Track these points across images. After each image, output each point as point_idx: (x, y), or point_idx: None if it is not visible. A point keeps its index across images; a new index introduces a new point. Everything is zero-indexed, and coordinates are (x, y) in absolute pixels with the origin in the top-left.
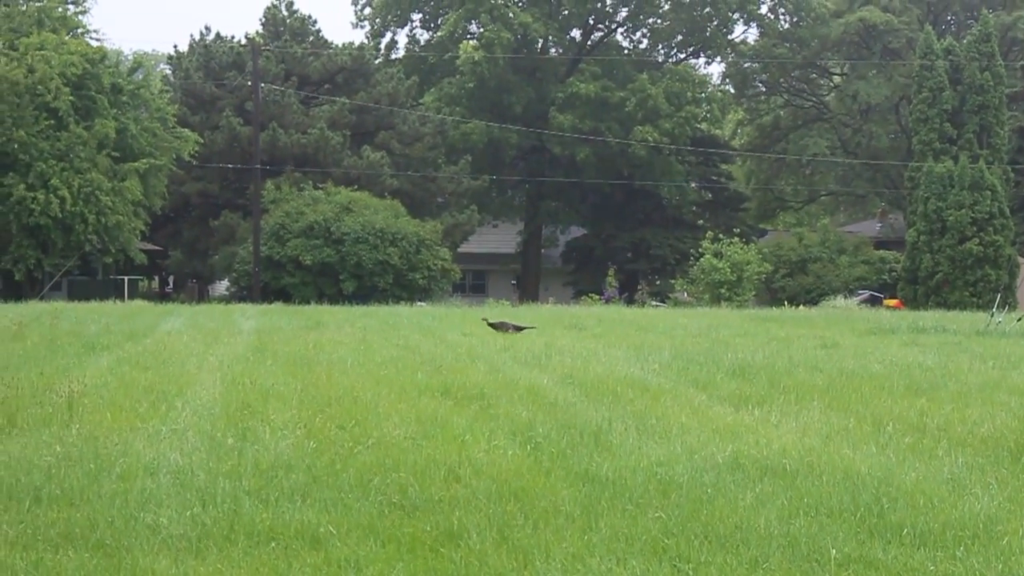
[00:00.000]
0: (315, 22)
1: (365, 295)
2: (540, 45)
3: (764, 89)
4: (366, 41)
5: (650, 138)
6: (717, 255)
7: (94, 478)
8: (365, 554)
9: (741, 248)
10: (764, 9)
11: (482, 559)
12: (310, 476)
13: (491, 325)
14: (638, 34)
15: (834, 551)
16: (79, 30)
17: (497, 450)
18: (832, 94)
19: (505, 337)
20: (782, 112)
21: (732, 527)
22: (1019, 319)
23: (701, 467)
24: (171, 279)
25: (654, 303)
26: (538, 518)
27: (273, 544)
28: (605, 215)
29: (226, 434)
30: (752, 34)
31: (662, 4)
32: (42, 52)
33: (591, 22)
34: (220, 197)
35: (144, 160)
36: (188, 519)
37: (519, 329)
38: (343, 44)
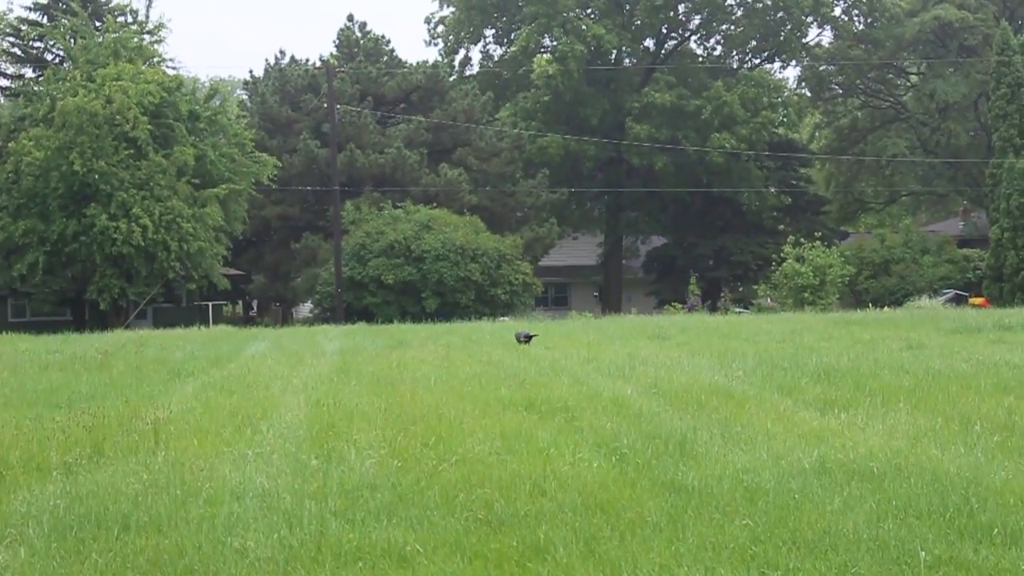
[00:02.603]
0: (388, 42)
1: (447, 312)
2: (614, 56)
3: (840, 91)
4: (440, 59)
5: (727, 145)
6: (799, 259)
7: (181, 504)
8: (451, 571)
9: (823, 251)
10: (838, 11)
11: (569, 573)
12: (395, 495)
13: (517, 337)
14: (712, 41)
15: (924, 553)
16: (155, 59)
17: (582, 462)
18: (909, 93)
19: (588, 349)
20: (859, 113)
21: (820, 532)
22: None
23: (787, 473)
24: (255, 303)
25: (737, 310)
26: (624, 529)
27: (360, 564)
28: (685, 223)
29: (311, 456)
30: (826, 36)
31: (735, 10)
32: (119, 83)
33: (664, 31)
34: (300, 219)
35: (224, 186)
36: (275, 542)
37: (528, 338)
38: (417, 63)
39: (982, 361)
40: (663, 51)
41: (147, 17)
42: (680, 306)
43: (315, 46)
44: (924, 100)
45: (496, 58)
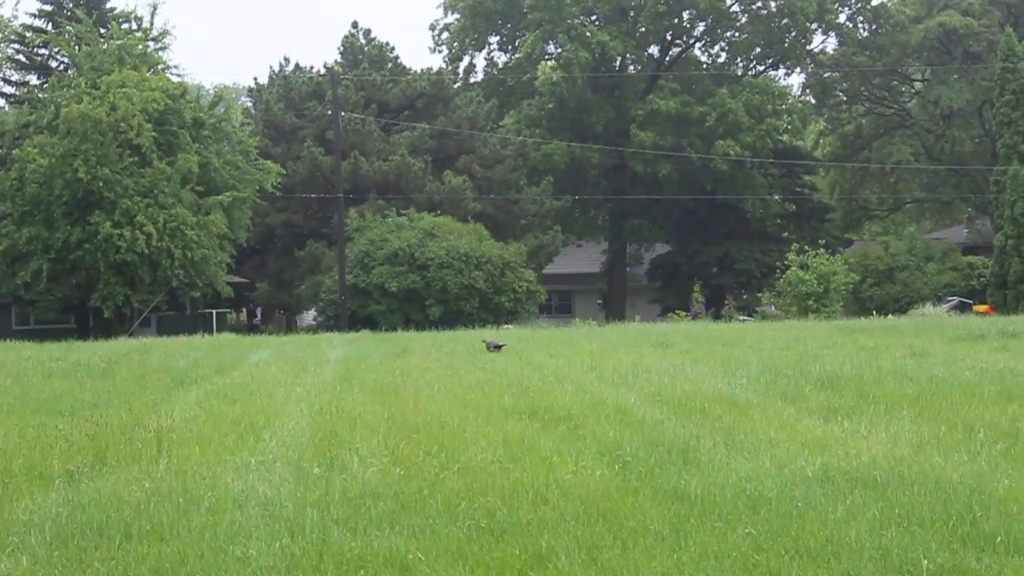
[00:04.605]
0: (393, 49)
1: (451, 320)
2: (618, 63)
3: (845, 98)
4: (444, 66)
5: (732, 152)
6: (803, 267)
7: (183, 512)
8: None
9: (827, 259)
10: (842, 18)
11: None
12: (398, 503)
13: (486, 344)
14: (716, 48)
15: (926, 561)
16: (160, 66)
17: (585, 471)
18: (914, 100)
19: (592, 357)
20: (864, 121)
21: (823, 541)
22: None
23: (790, 481)
24: (259, 311)
25: (741, 317)
26: (627, 538)
27: (362, 572)
28: (689, 231)
29: (313, 464)
30: (831, 43)
31: (739, 17)
32: (124, 89)
33: (669, 38)
34: (304, 227)
35: (228, 193)
36: (277, 550)
37: (497, 347)
38: (421, 70)
39: (986, 369)
40: (667, 58)
41: (151, 24)
42: (684, 314)
43: (320, 53)
44: (928, 107)
45: (500, 65)
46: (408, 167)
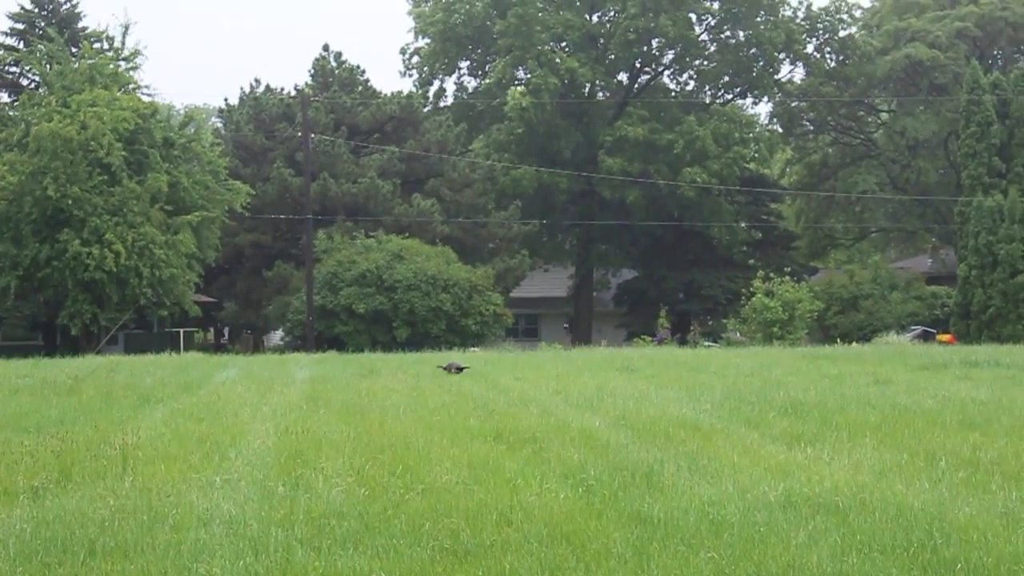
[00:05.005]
0: (363, 72)
1: (418, 342)
2: (587, 89)
3: (812, 127)
4: (414, 90)
5: (699, 179)
6: (768, 294)
7: (148, 530)
8: None
9: (792, 287)
10: (810, 49)
11: None
12: (362, 523)
13: (443, 368)
14: (684, 76)
15: None
16: (131, 86)
17: (549, 493)
18: (880, 131)
19: (557, 381)
20: (830, 150)
21: (784, 566)
22: None
23: (753, 506)
24: (226, 330)
25: (706, 343)
26: (590, 560)
27: None
28: (656, 257)
29: (278, 483)
30: (799, 73)
31: (708, 46)
32: (94, 108)
33: (638, 65)
34: (273, 248)
35: (197, 213)
36: (241, 569)
37: (460, 369)
38: (392, 93)
39: (948, 397)
40: (636, 85)
41: (123, 44)
42: (650, 339)
43: (290, 75)
44: (894, 137)
45: (470, 90)
46: (377, 189)
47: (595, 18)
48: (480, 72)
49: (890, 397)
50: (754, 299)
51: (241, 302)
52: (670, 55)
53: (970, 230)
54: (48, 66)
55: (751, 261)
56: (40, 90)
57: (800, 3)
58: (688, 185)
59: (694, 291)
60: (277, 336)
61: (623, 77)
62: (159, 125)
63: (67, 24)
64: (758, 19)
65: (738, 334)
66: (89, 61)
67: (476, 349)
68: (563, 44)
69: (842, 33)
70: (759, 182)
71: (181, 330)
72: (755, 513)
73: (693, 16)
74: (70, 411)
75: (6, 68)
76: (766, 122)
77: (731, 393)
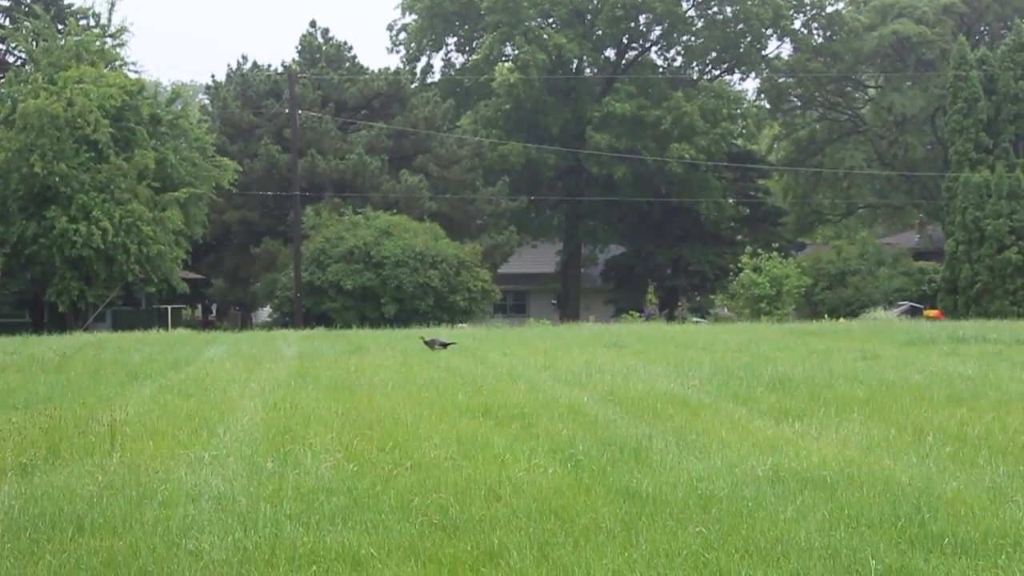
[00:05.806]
0: (351, 48)
1: (406, 318)
2: (575, 65)
3: (799, 103)
4: (402, 66)
5: (686, 155)
6: (756, 270)
7: (136, 506)
8: (406, 575)
9: (780, 262)
10: (797, 24)
11: None
12: (351, 499)
13: (425, 342)
14: (672, 52)
15: (874, 562)
16: (117, 63)
17: (538, 468)
18: (867, 107)
19: (546, 356)
20: (818, 126)
21: (773, 540)
22: None
23: (741, 481)
24: (214, 307)
25: (694, 319)
26: (579, 535)
27: (314, 567)
28: (643, 233)
29: (267, 459)
30: (786, 49)
31: (696, 22)
32: (81, 85)
33: (625, 41)
34: (260, 224)
35: (184, 190)
36: (230, 544)
37: (444, 345)
38: (379, 70)
39: (935, 373)
40: (624, 61)
41: (110, 21)
42: (638, 315)
43: (278, 52)
44: (882, 113)
45: (458, 66)
46: (365, 166)
47: None
48: (467, 48)
49: (878, 372)
50: (742, 275)
51: (229, 279)
52: (657, 31)
53: (957, 206)
54: (34, 43)
55: (739, 237)
56: (26, 67)
57: None
58: (676, 161)
59: (682, 267)
60: (265, 313)
61: (611, 53)
62: (146, 102)
63: (53, 1)
64: None
65: (726, 310)
66: (75, 38)
67: (464, 325)
68: (550, 20)
69: (829, 9)
70: (747, 158)
71: (169, 307)
72: (743, 488)
73: None
74: (58, 388)
75: None
76: (753, 98)
77: (719, 368)
